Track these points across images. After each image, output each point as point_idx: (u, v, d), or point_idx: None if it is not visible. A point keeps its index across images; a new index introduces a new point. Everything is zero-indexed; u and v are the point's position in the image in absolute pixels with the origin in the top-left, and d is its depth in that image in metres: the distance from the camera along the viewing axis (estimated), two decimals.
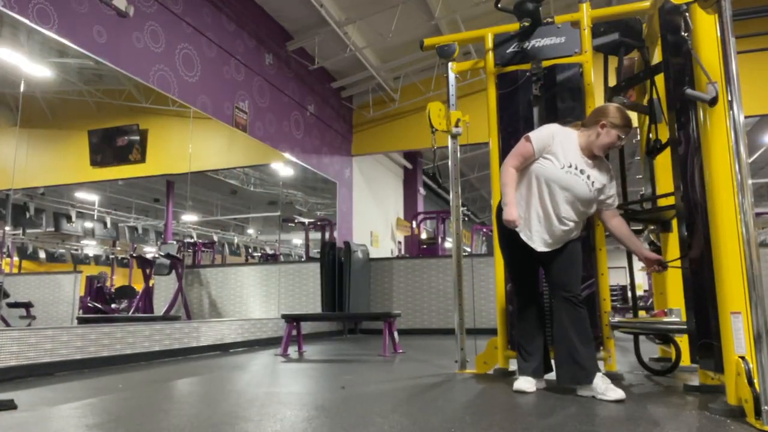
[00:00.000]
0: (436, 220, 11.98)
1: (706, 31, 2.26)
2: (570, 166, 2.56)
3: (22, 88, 4.05)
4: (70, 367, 3.65)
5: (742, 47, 2.21)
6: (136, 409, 2.29)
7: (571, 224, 2.59)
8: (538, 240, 2.61)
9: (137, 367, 3.95)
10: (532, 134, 2.64)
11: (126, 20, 4.77)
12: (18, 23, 3.86)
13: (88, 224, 7.29)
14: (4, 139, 4.45)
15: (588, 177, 2.57)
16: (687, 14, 2.41)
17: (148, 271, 6.59)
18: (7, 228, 5.05)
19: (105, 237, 7.72)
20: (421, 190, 12.99)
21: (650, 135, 3.37)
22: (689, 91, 2.33)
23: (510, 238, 2.70)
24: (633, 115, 3.58)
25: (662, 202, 3.29)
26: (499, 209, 2.71)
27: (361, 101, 9.60)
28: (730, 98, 2.05)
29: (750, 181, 2.03)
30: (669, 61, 2.64)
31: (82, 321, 5.68)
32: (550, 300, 2.75)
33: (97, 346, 3.89)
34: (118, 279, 7.83)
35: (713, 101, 2.23)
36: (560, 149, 2.59)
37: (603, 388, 2.38)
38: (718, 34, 2.12)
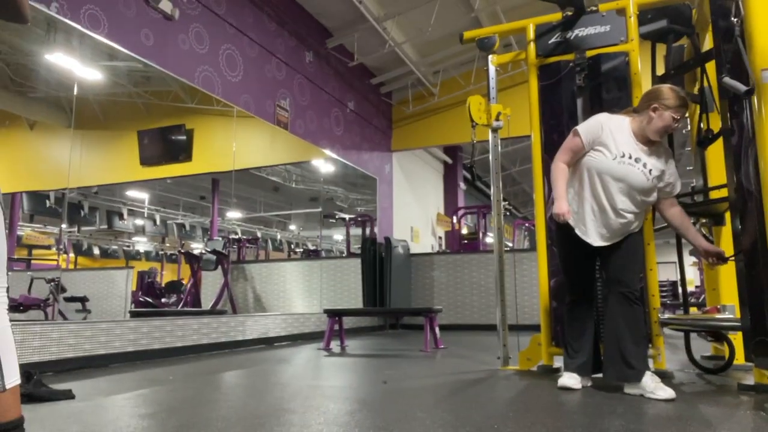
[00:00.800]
0: (477, 215, 11.86)
1: (760, 15, 2.16)
2: (623, 156, 2.47)
3: (75, 91, 4.23)
4: (123, 359, 3.81)
5: None
6: (186, 400, 2.37)
7: (630, 216, 2.50)
8: (594, 234, 2.54)
9: (186, 359, 4.08)
10: (580, 127, 2.57)
11: (172, 23, 4.91)
12: (70, 29, 4.02)
13: (139, 221, 7.57)
14: (60, 141, 4.66)
15: (644, 165, 2.46)
16: None
17: (195, 266, 6.78)
18: (64, 225, 5.29)
19: (155, 234, 8.00)
20: (462, 185, 12.89)
21: (701, 125, 3.24)
22: (726, 79, 2.24)
23: (565, 234, 2.64)
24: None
25: (714, 195, 3.16)
26: (551, 204, 2.68)
27: (400, 97, 9.59)
28: None
29: None
30: (720, 47, 2.53)
31: (134, 315, 5.91)
32: (603, 295, 2.66)
33: (149, 338, 4.04)
34: (167, 274, 8.10)
35: (749, 92, 2.13)
36: (611, 139, 2.50)
37: (652, 386, 2.32)
38: None
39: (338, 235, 9.73)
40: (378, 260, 7.20)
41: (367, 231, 8.79)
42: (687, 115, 3.57)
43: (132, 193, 7.12)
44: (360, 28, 7.31)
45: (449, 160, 12.50)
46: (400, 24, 7.58)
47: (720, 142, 2.94)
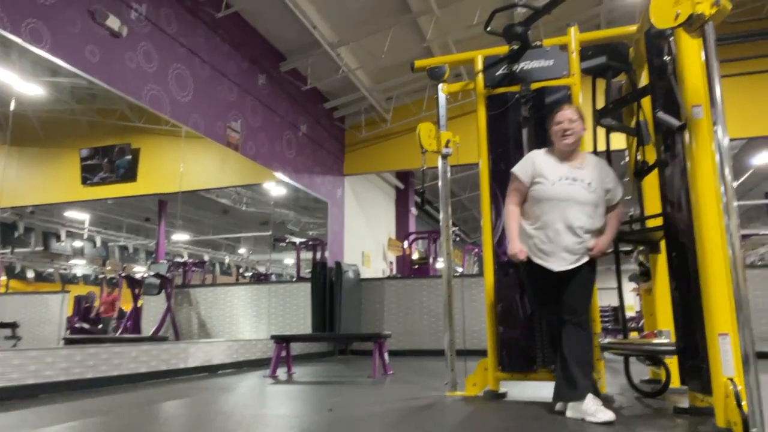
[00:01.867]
0: (428, 240, 11.97)
1: (690, 55, 2.30)
2: (560, 179, 2.63)
3: (12, 107, 4.05)
4: (54, 389, 3.59)
5: (726, 71, 2.26)
6: None
7: (586, 235, 2.60)
8: (554, 259, 2.62)
9: (123, 389, 3.88)
10: (514, 169, 2.77)
11: (119, 40, 4.80)
12: (10, 42, 3.87)
13: (78, 243, 7.23)
14: None
15: (582, 180, 2.62)
16: (671, 39, 2.45)
17: (137, 291, 6.52)
18: None
19: (94, 256, 7.66)
20: (413, 210, 13.01)
21: (638, 157, 3.40)
22: (660, 114, 2.38)
23: (528, 271, 2.73)
24: (620, 137, 3.64)
25: (651, 224, 3.31)
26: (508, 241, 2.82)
27: (353, 121, 9.65)
28: (714, 121, 2.08)
29: (736, 203, 2.05)
30: (655, 84, 2.68)
31: (68, 342, 5.60)
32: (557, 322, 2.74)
33: (83, 367, 3.83)
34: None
35: (681, 127, 2.27)
36: (546, 168, 2.68)
37: (593, 409, 2.36)
38: (703, 58, 2.16)
39: (289, 259, 9.60)
40: (328, 285, 7.13)
41: (318, 255, 8.71)
42: (625, 146, 3.74)
43: (71, 214, 6.81)
44: (314, 53, 7.35)
45: (401, 186, 12.62)
46: (353, 50, 7.67)
47: (655, 173, 3.09)
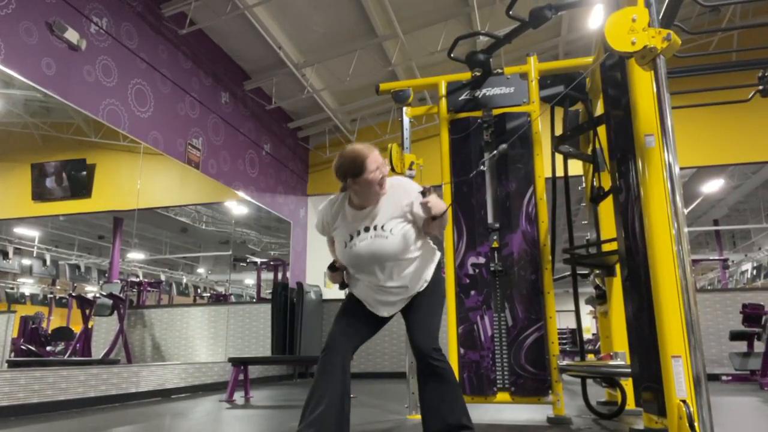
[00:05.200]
0: None
1: (643, 86, 2.40)
2: (353, 237, 2.14)
3: None
4: None
5: (677, 103, 2.36)
6: None
7: (405, 286, 2.16)
8: (379, 307, 2.24)
9: (69, 414, 3.70)
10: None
11: (77, 53, 4.68)
12: None
13: (26, 261, 6.92)
14: None
15: (382, 227, 2.10)
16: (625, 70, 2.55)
17: (87, 311, 6.27)
18: None
19: (44, 275, 7.34)
20: None
21: (594, 183, 3.50)
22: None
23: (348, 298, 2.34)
24: (577, 164, 3.74)
25: (606, 248, 3.39)
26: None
27: (317, 142, 9.65)
28: (665, 150, 2.16)
29: (686, 229, 2.13)
30: (610, 113, 2.78)
31: (12, 364, 5.32)
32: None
33: (27, 391, 3.63)
34: (55, 320, 7.41)
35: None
36: (340, 225, 2.22)
37: None
38: (654, 89, 2.25)
39: (249, 280, 9.43)
40: (289, 306, 7.02)
41: (280, 276, 8.58)
42: (582, 173, 3.85)
43: (21, 231, 6.54)
44: (279, 72, 7.35)
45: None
46: (319, 72, 7.70)
47: (611, 198, 3.19)
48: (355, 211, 2.15)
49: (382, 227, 2.09)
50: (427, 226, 2.12)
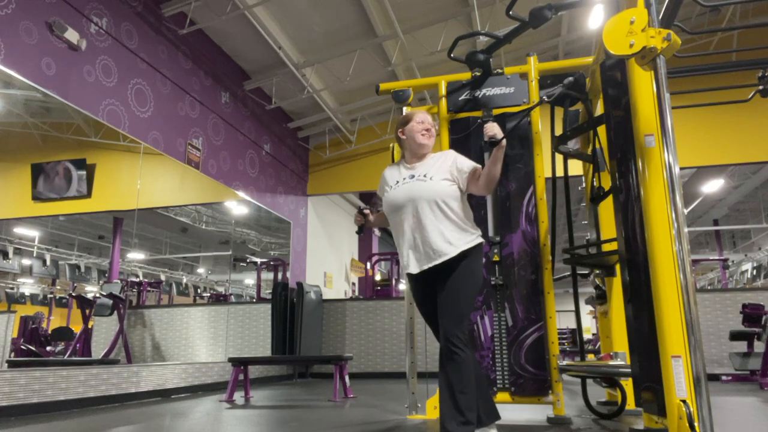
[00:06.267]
0: (391, 262, 11.97)
1: (643, 86, 2.40)
2: (397, 182, 2.47)
3: None
4: None
5: (677, 103, 2.36)
6: None
7: (426, 240, 2.33)
8: (411, 262, 2.40)
9: (69, 414, 3.70)
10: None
11: (77, 53, 4.69)
12: None
13: (26, 261, 6.92)
14: None
15: (423, 175, 2.40)
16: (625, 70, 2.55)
17: (87, 311, 6.27)
18: None
19: (44, 275, 7.34)
20: (376, 231, 13.02)
21: (594, 182, 3.50)
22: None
23: (413, 283, 2.52)
24: (577, 164, 3.75)
25: (606, 248, 3.40)
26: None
27: (317, 142, 9.65)
28: (665, 150, 2.16)
29: (686, 229, 2.13)
30: (610, 113, 2.78)
31: (12, 365, 5.32)
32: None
33: (27, 391, 3.64)
34: (55, 320, 7.41)
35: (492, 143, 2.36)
36: (389, 177, 2.56)
37: None
38: (654, 89, 2.25)
39: (249, 280, 9.43)
40: (289, 306, 7.02)
41: (280, 275, 8.59)
42: (582, 173, 3.84)
43: (21, 231, 6.54)
44: (279, 72, 7.35)
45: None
46: (318, 72, 7.70)
47: (611, 198, 3.19)
48: (406, 168, 2.51)
49: (424, 175, 2.41)
50: (473, 183, 2.41)
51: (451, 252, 2.30)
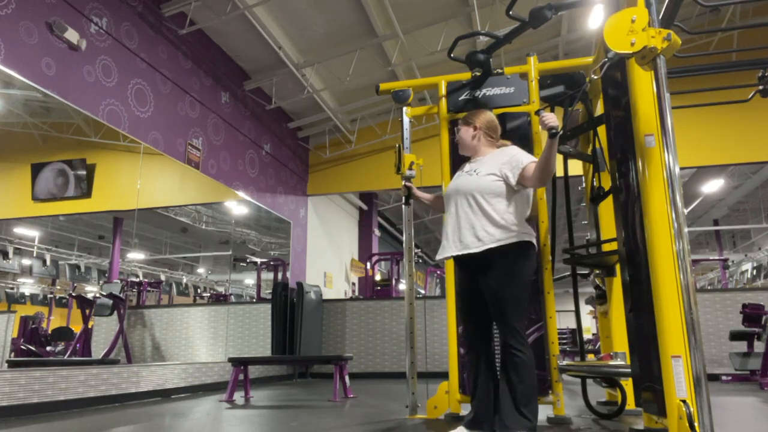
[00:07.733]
0: (391, 262, 11.97)
1: (643, 86, 2.40)
2: (458, 174, 2.68)
3: None
4: None
5: (677, 103, 2.36)
6: None
7: (471, 227, 2.45)
8: (449, 246, 2.52)
9: (69, 414, 3.70)
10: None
11: (77, 53, 4.69)
12: None
13: (26, 261, 6.92)
14: None
15: (475, 170, 2.56)
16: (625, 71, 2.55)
17: (87, 311, 6.27)
18: None
19: (44, 275, 7.34)
20: (376, 232, 13.02)
21: (594, 183, 3.50)
22: None
23: (456, 270, 2.73)
24: (577, 164, 3.75)
25: (606, 248, 3.39)
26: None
27: (317, 142, 9.65)
28: (665, 150, 2.16)
29: (686, 229, 2.13)
30: (610, 113, 2.77)
31: (12, 365, 5.32)
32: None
33: (27, 391, 3.64)
34: (55, 320, 7.41)
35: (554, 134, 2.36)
36: (460, 168, 2.75)
37: None
38: (654, 89, 2.25)
39: (249, 280, 9.43)
40: (289, 306, 7.02)
41: (280, 275, 8.59)
42: (582, 173, 3.84)
43: (21, 231, 6.53)
44: (279, 72, 7.35)
45: (365, 207, 12.63)
46: (318, 72, 7.71)
47: (611, 198, 3.19)
48: (470, 162, 2.67)
49: (475, 170, 2.56)
50: (528, 177, 2.43)
51: (476, 247, 2.42)
